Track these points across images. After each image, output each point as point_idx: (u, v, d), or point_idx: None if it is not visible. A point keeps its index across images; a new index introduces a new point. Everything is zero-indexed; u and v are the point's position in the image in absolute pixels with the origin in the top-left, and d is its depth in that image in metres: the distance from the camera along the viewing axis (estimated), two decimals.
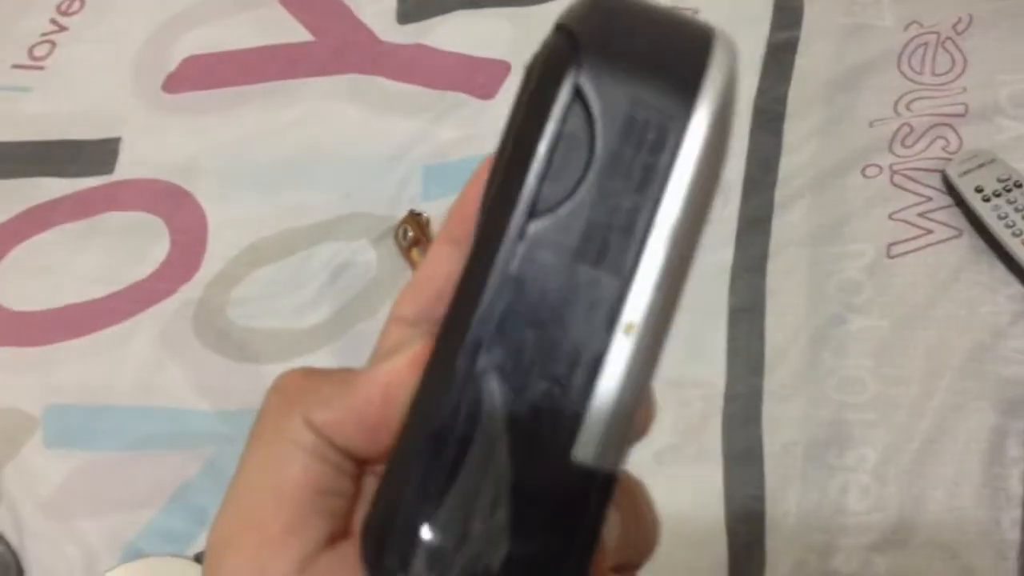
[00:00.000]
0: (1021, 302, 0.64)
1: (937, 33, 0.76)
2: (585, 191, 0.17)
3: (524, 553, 0.17)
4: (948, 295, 0.65)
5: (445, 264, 0.24)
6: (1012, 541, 0.56)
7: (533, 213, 0.17)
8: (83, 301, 0.75)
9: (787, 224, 0.70)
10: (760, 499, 0.60)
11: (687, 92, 0.17)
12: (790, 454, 0.61)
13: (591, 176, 0.17)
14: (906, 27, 0.77)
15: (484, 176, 0.23)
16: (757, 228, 0.70)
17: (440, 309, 0.24)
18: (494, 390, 0.17)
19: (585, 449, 0.17)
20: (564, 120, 0.17)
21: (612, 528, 0.22)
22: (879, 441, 0.61)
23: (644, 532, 0.24)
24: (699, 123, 0.17)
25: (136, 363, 0.71)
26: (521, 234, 0.17)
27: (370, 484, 0.23)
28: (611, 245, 0.17)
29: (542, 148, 0.17)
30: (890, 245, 0.68)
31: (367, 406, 0.22)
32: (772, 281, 0.68)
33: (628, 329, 0.17)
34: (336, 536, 0.22)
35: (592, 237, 0.17)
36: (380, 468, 0.24)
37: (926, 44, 0.76)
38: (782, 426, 0.62)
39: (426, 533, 0.17)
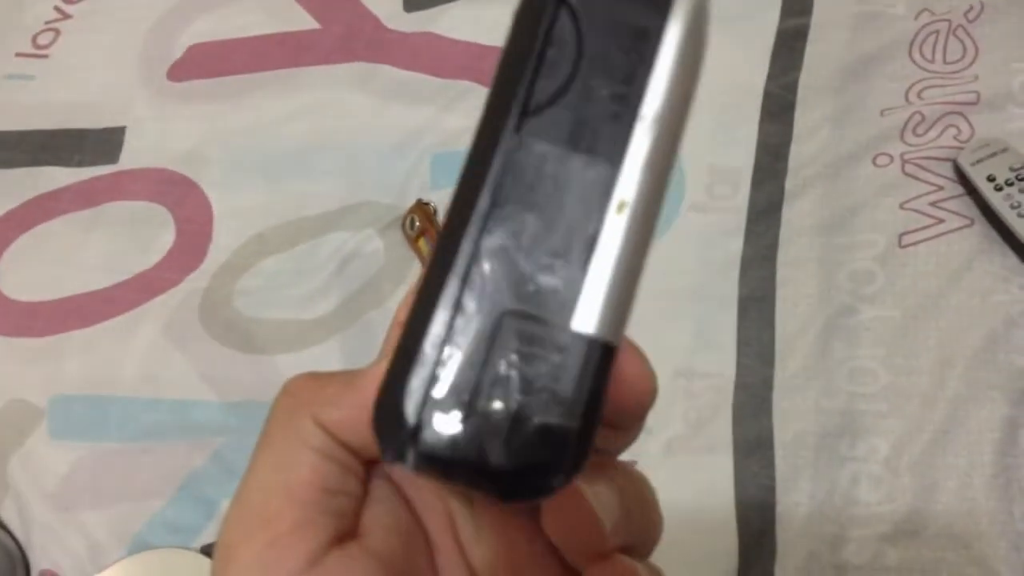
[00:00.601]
0: None
1: (949, 20, 0.76)
2: (575, 88, 0.19)
3: (531, 420, 0.18)
4: (960, 285, 0.64)
5: None
6: None
7: (528, 109, 0.19)
8: (88, 291, 0.75)
9: (797, 213, 0.69)
10: (771, 489, 0.60)
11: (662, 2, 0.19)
12: (801, 444, 0.61)
13: (580, 74, 0.19)
14: (917, 15, 0.77)
15: None
16: (767, 217, 0.69)
17: None
18: (497, 268, 0.19)
19: (584, 319, 0.18)
20: (552, 26, 0.19)
21: (609, 505, 0.23)
22: (891, 431, 0.60)
23: (649, 518, 0.25)
24: (675, 22, 0.19)
25: (142, 353, 0.71)
26: (518, 127, 0.19)
27: (377, 486, 0.24)
28: (601, 134, 0.19)
29: (534, 51, 0.19)
30: (901, 235, 0.67)
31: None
32: (782, 271, 0.67)
33: (620, 208, 0.19)
34: (344, 535, 0.23)
35: (583, 128, 0.19)
36: (387, 468, 0.24)
37: (937, 32, 0.76)
38: (793, 416, 0.62)
39: (434, 409, 0.18)
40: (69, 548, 0.65)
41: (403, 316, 0.25)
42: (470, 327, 0.19)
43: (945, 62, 0.74)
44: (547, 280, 0.19)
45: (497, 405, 0.18)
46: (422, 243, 0.71)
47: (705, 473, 0.61)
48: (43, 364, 0.72)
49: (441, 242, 0.19)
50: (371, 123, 0.80)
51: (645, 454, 0.62)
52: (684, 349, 0.65)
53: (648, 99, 0.19)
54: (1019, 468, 0.58)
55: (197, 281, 0.74)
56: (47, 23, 0.90)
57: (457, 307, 0.19)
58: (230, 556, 0.22)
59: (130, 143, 0.82)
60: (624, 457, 0.65)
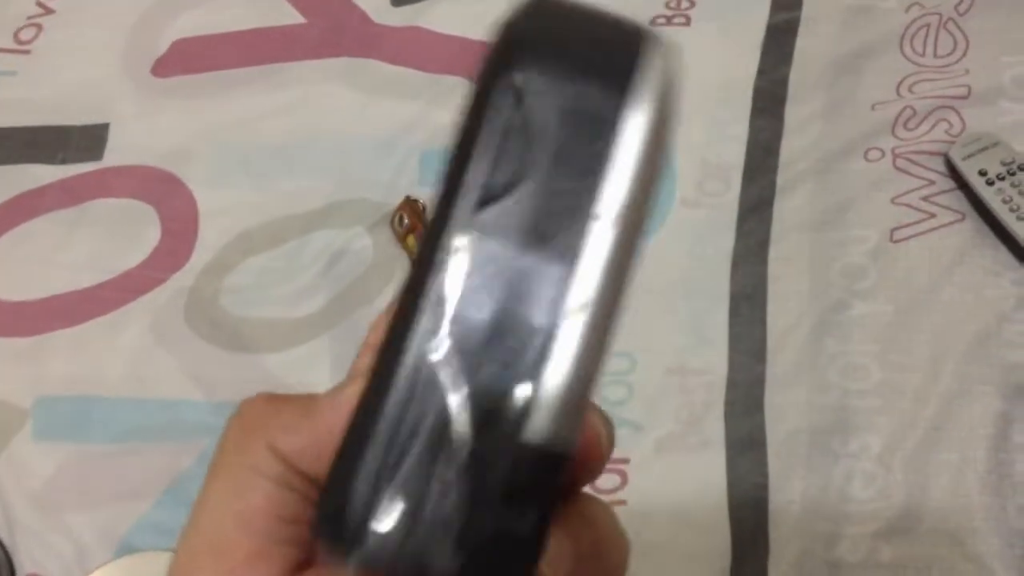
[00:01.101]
0: None
1: (939, 14, 0.75)
2: (529, 180, 0.18)
3: (478, 534, 0.18)
4: (952, 280, 0.64)
5: None
6: (1018, 528, 0.56)
7: (478, 204, 0.18)
8: (73, 290, 0.74)
9: (789, 209, 0.69)
10: (764, 487, 0.59)
11: (621, 83, 0.18)
12: (794, 441, 0.60)
13: (534, 166, 0.18)
14: (908, 8, 0.76)
15: None
16: (758, 213, 0.69)
17: None
18: (444, 374, 0.18)
19: (536, 429, 0.18)
20: (504, 116, 0.18)
21: (559, 557, 0.22)
22: (884, 428, 0.60)
23: (609, 558, 0.24)
24: (634, 112, 0.18)
25: (128, 353, 0.70)
26: (467, 224, 0.18)
27: None
28: (556, 231, 0.18)
29: (486, 140, 0.18)
30: (893, 230, 0.67)
31: (331, 432, 0.21)
32: (774, 267, 0.67)
33: (576, 312, 0.18)
34: (301, 564, 0.22)
35: (538, 224, 0.18)
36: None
37: (928, 25, 0.75)
38: (785, 413, 0.61)
39: (378, 517, 0.18)
40: (55, 551, 0.64)
41: (374, 339, 0.25)
42: (418, 431, 0.18)
43: (936, 56, 0.74)
44: (499, 385, 0.18)
45: (444, 513, 0.17)
46: (411, 240, 0.71)
47: (698, 471, 0.61)
48: (27, 364, 0.71)
49: (389, 340, 0.18)
50: (359, 119, 0.79)
51: (638, 452, 0.61)
52: (676, 346, 0.65)
53: (605, 193, 0.18)
54: (1012, 464, 0.58)
55: (183, 279, 0.73)
56: (29, 18, 0.88)
57: (405, 405, 0.18)
58: None
59: (114, 140, 0.81)
60: (615, 455, 0.65)
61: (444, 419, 0.18)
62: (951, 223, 0.66)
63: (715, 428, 0.62)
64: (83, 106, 0.83)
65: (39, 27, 0.88)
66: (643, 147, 0.18)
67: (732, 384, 0.63)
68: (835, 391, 0.62)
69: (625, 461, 0.61)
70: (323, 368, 0.67)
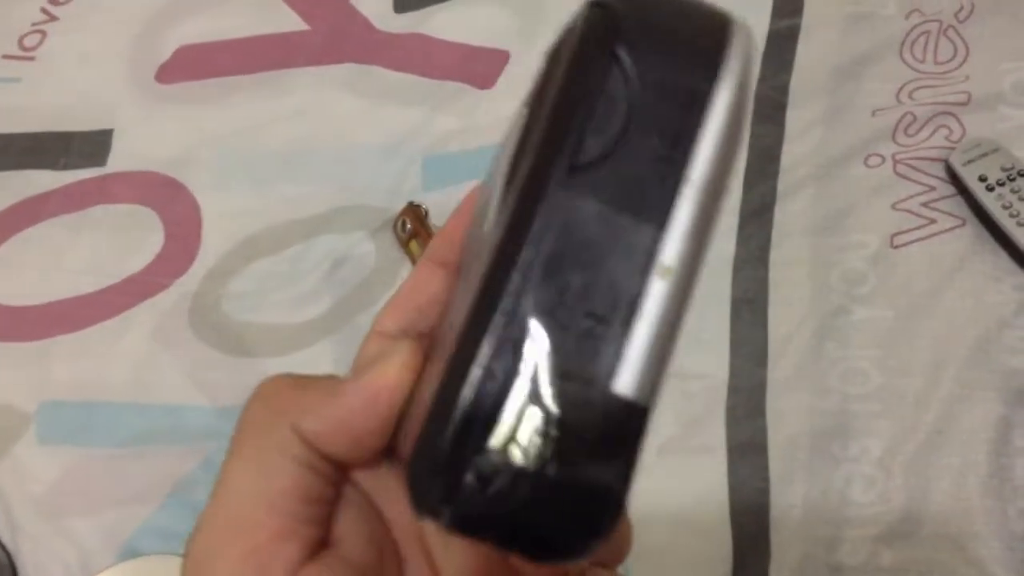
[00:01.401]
0: None
1: (939, 21, 0.76)
2: (623, 147, 0.19)
3: (569, 483, 0.18)
4: (953, 285, 0.64)
5: (429, 283, 0.25)
6: (1019, 532, 0.56)
7: (576, 166, 0.19)
8: (76, 295, 0.74)
9: (790, 214, 0.69)
10: (765, 491, 0.59)
11: (712, 62, 0.19)
12: (795, 445, 0.61)
13: (629, 132, 0.19)
14: (908, 15, 0.77)
15: (472, 205, 0.25)
16: (759, 218, 0.69)
17: (422, 323, 0.25)
18: (537, 328, 0.18)
19: (625, 382, 0.18)
20: (604, 83, 0.19)
21: None
22: (884, 432, 0.60)
23: (617, 532, 0.24)
24: (723, 88, 0.19)
25: (131, 358, 0.70)
26: (565, 184, 0.18)
27: (350, 492, 0.24)
28: (647, 196, 0.19)
29: (583, 106, 0.19)
30: (893, 235, 0.67)
31: (355, 415, 0.22)
32: (775, 272, 0.67)
33: (664, 273, 0.18)
34: (323, 543, 0.23)
35: (630, 188, 0.19)
36: (360, 473, 0.24)
37: (928, 32, 0.76)
38: (786, 417, 0.62)
39: (471, 468, 0.18)
40: (58, 555, 0.64)
41: (382, 325, 0.25)
42: (509, 385, 0.18)
43: (936, 62, 0.74)
44: (589, 340, 0.18)
45: (536, 467, 0.18)
46: (414, 245, 0.71)
47: (699, 475, 0.61)
48: (31, 369, 0.71)
49: (480, 296, 0.19)
50: (362, 124, 0.79)
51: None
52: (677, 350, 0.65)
53: (695, 163, 0.19)
54: (1013, 468, 0.58)
55: (186, 285, 0.73)
56: (34, 25, 0.89)
57: (495, 364, 0.18)
58: (207, 564, 0.22)
59: (118, 146, 0.81)
60: None
61: (535, 375, 0.18)
62: (951, 229, 0.67)
63: (716, 433, 0.62)
64: (87, 112, 0.83)
65: (43, 34, 0.88)
66: (730, 120, 0.19)
67: (733, 389, 0.63)
68: (836, 396, 0.62)
69: None
70: (326, 372, 0.67)
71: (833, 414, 0.61)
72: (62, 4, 0.90)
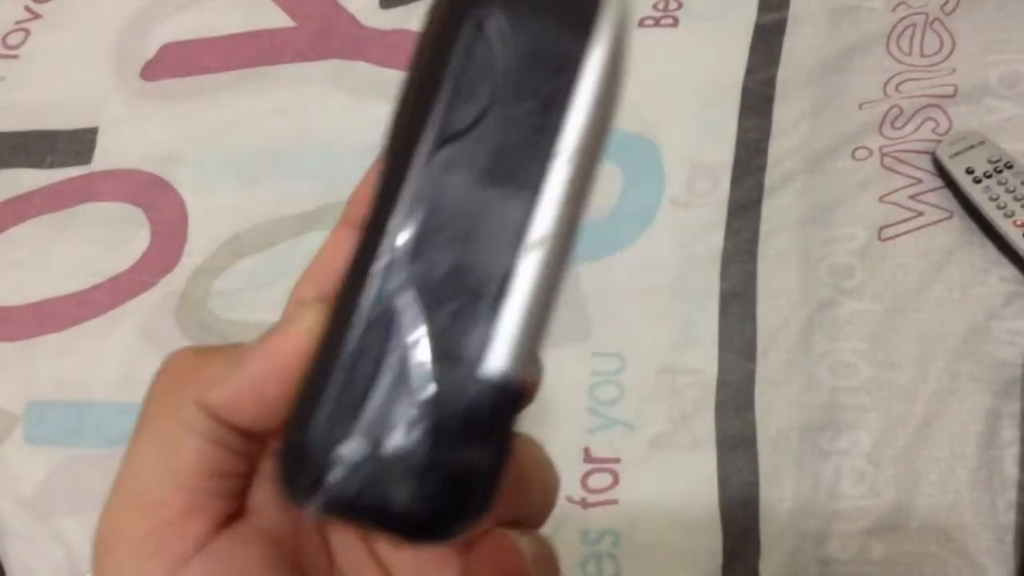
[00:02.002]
0: (1013, 283, 0.63)
1: (925, 14, 0.76)
2: (491, 117, 0.18)
3: (439, 464, 0.18)
4: (940, 277, 0.64)
5: (343, 246, 0.24)
6: (1008, 524, 0.56)
7: (442, 139, 0.18)
8: (62, 295, 0.74)
9: (777, 208, 0.69)
10: (755, 485, 0.59)
11: (584, 25, 0.18)
12: (784, 439, 0.61)
13: (497, 104, 0.18)
14: (894, 8, 0.77)
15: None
16: (747, 212, 0.69)
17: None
18: (408, 306, 0.18)
19: (496, 360, 0.18)
20: (469, 52, 0.18)
21: None
22: (873, 425, 0.60)
23: (528, 489, 0.24)
24: (595, 54, 0.18)
25: (118, 357, 0.70)
26: (431, 159, 0.18)
27: (266, 463, 0.23)
28: (517, 167, 0.18)
29: (449, 78, 0.18)
30: (881, 228, 0.67)
31: (263, 381, 0.21)
32: (763, 265, 0.67)
33: (535, 245, 0.18)
34: (232, 515, 0.22)
35: (499, 160, 0.18)
36: (276, 445, 0.24)
37: (914, 25, 0.76)
38: (775, 411, 0.62)
39: (342, 449, 0.18)
40: (46, 556, 0.64)
41: (299, 293, 0.25)
42: (379, 369, 0.18)
43: (922, 55, 0.74)
44: (459, 318, 0.18)
45: (406, 448, 0.18)
46: None
47: (689, 470, 0.61)
48: (17, 369, 0.71)
49: (349, 275, 0.19)
50: (348, 121, 0.79)
51: (629, 451, 0.62)
52: (666, 345, 0.65)
53: (567, 131, 0.18)
54: (1002, 460, 0.58)
55: (173, 283, 0.73)
56: (17, 23, 0.88)
57: (365, 345, 0.18)
58: (112, 544, 0.22)
59: (103, 144, 0.81)
60: (607, 454, 0.65)
61: (404, 356, 0.18)
62: (939, 221, 0.67)
63: (706, 427, 0.62)
64: (72, 110, 0.83)
65: (27, 32, 0.88)
66: (603, 84, 0.18)
67: (723, 383, 0.63)
68: (825, 389, 0.62)
69: (616, 460, 0.61)
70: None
71: (822, 407, 0.61)
72: (45, 2, 0.89)
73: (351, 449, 0.18)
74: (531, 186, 0.18)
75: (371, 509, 0.18)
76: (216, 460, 0.22)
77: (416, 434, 0.18)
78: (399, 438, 0.18)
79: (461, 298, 0.18)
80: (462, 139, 0.18)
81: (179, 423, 0.22)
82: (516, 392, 0.18)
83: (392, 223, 0.18)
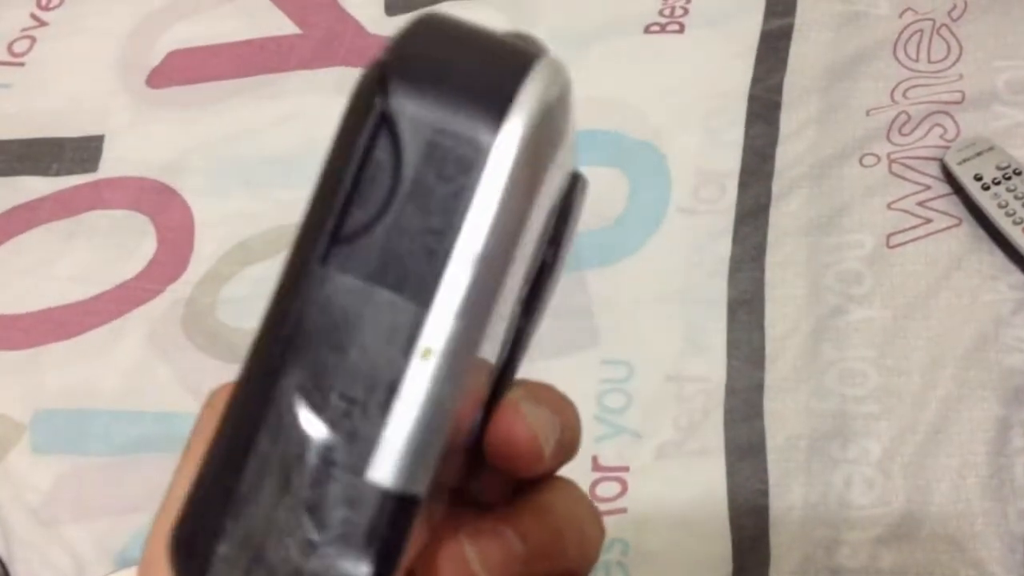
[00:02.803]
0: (1022, 290, 0.63)
1: (932, 20, 0.76)
2: (389, 218, 0.17)
3: (318, 572, 0.17)
4: (949, 284, 0.64)
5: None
6: (1019, 533, 0.56)
7: (336, 239, 0.17)
8: (68, 303, 0.74)
9: (785, 215, 0.69)
10: (764, 493, 0.59)
11: (492, 118, 0.17)
12: (793, 448, 0.60)
13: (395, 203, 0.17)
14: (901, 14, 0.77)
15: None
16: (755, 219, 0.69)
17: None
18: (294, 409, 0.17)
19: (381, 470, 0.17)
20: (370, 147, 0.17)
21: (507, 555, 0.22)
22: (883, 433, 0.60)
23: (563, 545, 0.23)
24: (503, 150, 0.17)
25: (125, 365, 0.70)
26: (324, 259, 0.17)
27: None
28: (412, 271, 0.17)
29: (347, 175, 0.17)
30: (889, 235, 0.67)
31: None
32: (771, 272, 0.67)
33: (426, 354, 0.17)
34: None
35: (394, 263, 0.17)
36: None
37: (921, 31, 0.76)
38: (784, 419, 0.61)
39: (222, 549, 0.17)
40: (53, 564, 0.63)
41: (213, 408, 0.24)
42: (264, 469, 0.17)
43: (929, 61, 0.74)
44: (344, 425, 0.17)
45: (284, 556, 0.17)
46: None
47: (697, 478, 0.61)
48: (23, 377, 0.71)
49: (242, 375, 0.18)
50: None
51: (637, 459, 0.61)
52: (674, 353, 0.65)
53: (465, 235, 0.17)
54: (1012, 468, 0.58)
55: (180, 291, 0.73)
56: (23, 30, 0.88)
57: (250, 448, 0.17)
58: (156, 569, 0.21)
59: (109, 151, 0.81)
60: (615, 463, 0.65)
61: (291, 456, 0.17)
62: (947, 228, 0.66)
63: (714, 435, 0.61)
64: (78, 118, 0.83)
65: (33, 39, 0.88)
66: (510, 183, 0.17)
67: (731, 391, 0.63)
68: (834, 397, 0.62)
69: (625, 469, 0.61)
70: None
71: (831, 415, 0.61)
72: (52, 9, 0.90)
73: (229, 550, 0.17)
74: (424, 291, 0.17)
75: None
76: None
77: (298, 539, 0.17)
78: (280, 541, 0.17)
79: (346, 404, 0.17)
80: (356, 240, 0.17)
81: None
82: (400, 502, 0.17)
83: (285, 323, 0.17)
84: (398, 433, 0.17)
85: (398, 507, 0.17)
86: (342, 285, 0.17)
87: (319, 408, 0.17)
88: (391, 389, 0.17)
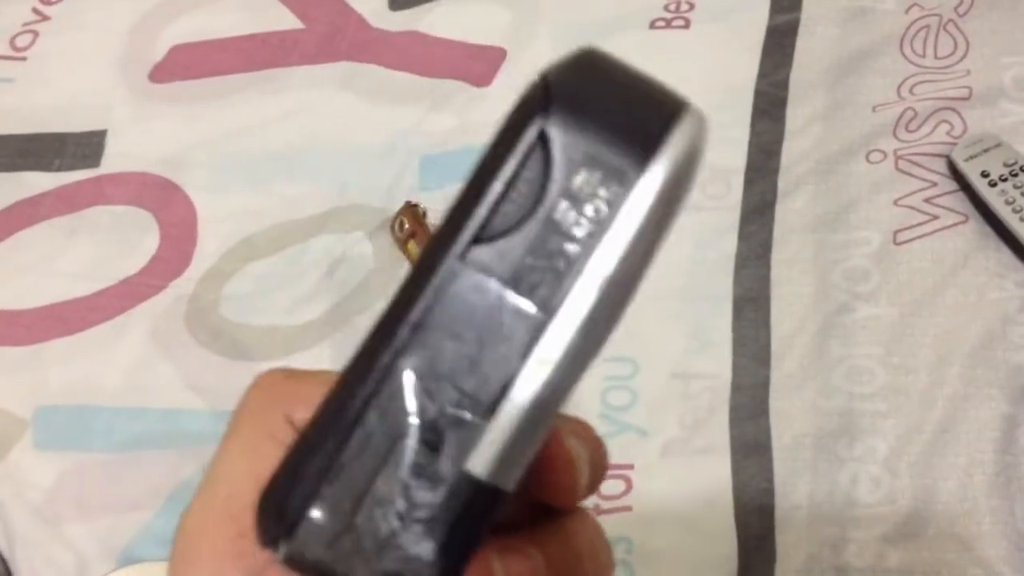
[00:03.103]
0: None
1: (939, 15, 0.75)
2: (530, 227, 0.18)
3: (399, 550, 0.18)
4: (956, 282, 0.64)
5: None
6: None
7: (478, 238, 0.18)
8: (71, 298, 0.73)
9: (791, 211, 0.69)
10: (770, 492, 0.59)
11: (643, 154, 0.18)
12: (799, 446, 0.60)
13: (539, 214, 0.18)
14: (907, 9, 0.76)
15: None
16: (761, 216, 0.69)
17: None
18: (407, 390, 0.18)
19: (479, 462, 0.18)
20: (524, 160, 0.18)
21: (533, 571, 0.22)
22: (890, 431, 0.60)
23: (582, 568, 0.24)
24: (647, 186, 0.18)
25: (128, 361, 0.70)
26: (462, 255, 0.18)
27: None
28: (543, 281, 0.18)
29: (498, 181, 0.18)
30: (896, 232, 0.67)
31: None
32: (777, 270, 0.67)
33: (541, 363, 0.18)
34: None
35: (527, 270, 0.18)
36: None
37: (928, 27, 0.75)
38: (790, 417, 0.61)
39: (314, 511, 0.18)
40: (56, 562, 0.63)
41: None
42: (368, 442, 0.18)
43: (936, 57, 0.74)
44: (453, 414, 0.18)
45: (372, 526, 0.18)
46: (411, 245, 0.70)
47: (703, 476, 0.60)
48: (26, 373, 0.70)
49: (361, 349, 0.19)
50: (358, 124, 0.79)
51: (642, 457, 0.61)
52: (680, 350, 0.64)
53: (598, 257, 0.18)
54: (1019, 466, 0.57)
55: (183, 287, 0.73)
56: (25, 25, 0.88)
57: (359, 420, 0.18)
58: (195, 544, 0.22)
59: (112, 146, 0.80)
60: (620, 460, 0.64)
61: (396, 434, 0.18)
62: (954, 225, 0.66)
63: (720, 433, 0.61)
64: (80, 113, 0.82)
65: (35, 34, 0.87)
66: (647, 217, 0.18)
67: (737, 388, 0.63)
68: (840, 395, 0.61)
69: (630, 467, 0.61)
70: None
71: (838, 413, 0.61)
72: (54, 3, 0.89)
73: (324, 512, 0.18)
74: (550, 304, 0.18)
75: (326, 572, 0.18)
76: None
77: (386, 514, 0.18)
78: (370, 514, 0.18)
79: (460, 395, 0.18)
80: (496, 241, 0.18)
81: (267, 434, 0.23)
82: (490, 495, 0.18)
83: (411, 310, 0.18)
84: (502, 430, 0.18)
85: (487, 499, 0.18)
86: (475, 283, 0.18)
87: (431, 394, 0.18)
88: (503, 388, 0.18)
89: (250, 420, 0.23)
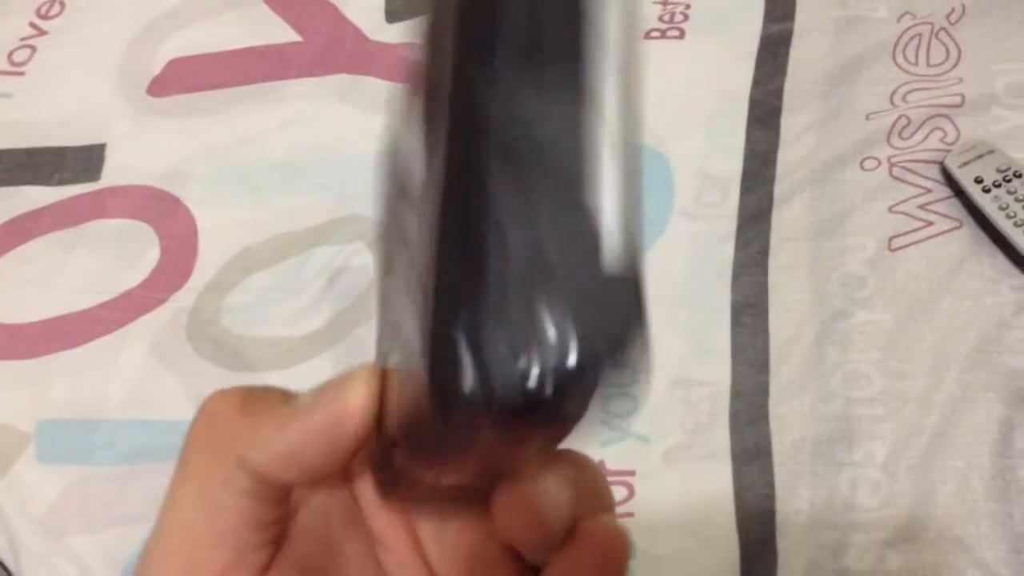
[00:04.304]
0: None
1: (931, 24, 0.76)
2: (539, 35, 0.19)
3: (580, 356, 0.18)
4: (951, 287, 0.65)
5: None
6: None
7: (509, 55, 0.19)
8: (72, 312, 0.74)
9: (787, 219, 0.69)
10: (771, 497, 0.59)
11: None
12: (799, 451, 0.61)
13: (540, 21, 0.19)
14: (899, 18, 0.77)
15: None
16: (757, 223, 0.69)
17: None
18: (518, 224, 0.18)
19: (612, 259, 0.18)
20: None
21: (557, 499, 0.23)
22: (888, 435, 0.60)
23: (600, 501, 0.25)
24: None
25: (129, 374, 0.70)
26: (493, 83, 0.18)
27: (301, 496, 0.24)
28: (573, 75, 0.19)
29: (487, 15, 0.19)
30: (891, 238, 0.67)
31: (310, 448, 0.22)
32: (774, 277, 0.67)
33: (613, 147, 0.18)
34: (271, 562, 0.23)
35: (557, 73, 0.19)
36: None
37: (920, 35, 0.76)
38: (790, 423, 0.62)
39: (484, 353, 0.18)
40: (59, 574, 0.63)
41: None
42: (506, 262, 0.18)
43: (929, 65, 0.75)
44: (566, 227, 0.18)
45: (545, 343, 0.17)
46: None
47: (704, 482, 0.61)
48: (28, 387, 0.71)
49: (440, 206, 0.19)
50: (356, 135, 0.79)
51: (644, 464, 0.62)
52: (679, 358, 0.65)
53: (609, 37, 0.19)
54: (1017, 469, 0.58)
55: (184, 299, 0.73)
56: (23, 39, 0.88)
57: (491, 245, 0.18)
58: None
59: (111, 160, 0.81)
60: (621, 467, 0.65)
61: (534, 253, 0.18)
62: (949, 231, 0.67)
63: (720, 439, 0.62)
64: (79, 127, 0.83)
65: (33, 48, 0.88)
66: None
67: (736, 394, 0.63)
68: (838, 400, 0.62)
69: (631, 473, 0.61)
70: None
71: (836, 418, 0.61)
72: (51, 18, 0.89)
73: (495, 344, 0.18)
74: (595, 92, 0.18)
75: (512, 402, 0.18)
76: (257, 515, 0.22)
77: (555, 327, 0.18)
78: (539, 333, 0.18)
79: (562, 204, 0.18)
80: (526, 55, 0.19)
81: (220, 481, 0.22)
82: (635, 283, 0.18)
83: (488, 145, 0.18)
84: (613, 219, 0.18)
85: (633, 290, 0.18)
86: (518, 103, 0.18)
87: (534, 217, 0.18)
88: (596, 181, 0.18)
89: (200, 463, 0.23)
